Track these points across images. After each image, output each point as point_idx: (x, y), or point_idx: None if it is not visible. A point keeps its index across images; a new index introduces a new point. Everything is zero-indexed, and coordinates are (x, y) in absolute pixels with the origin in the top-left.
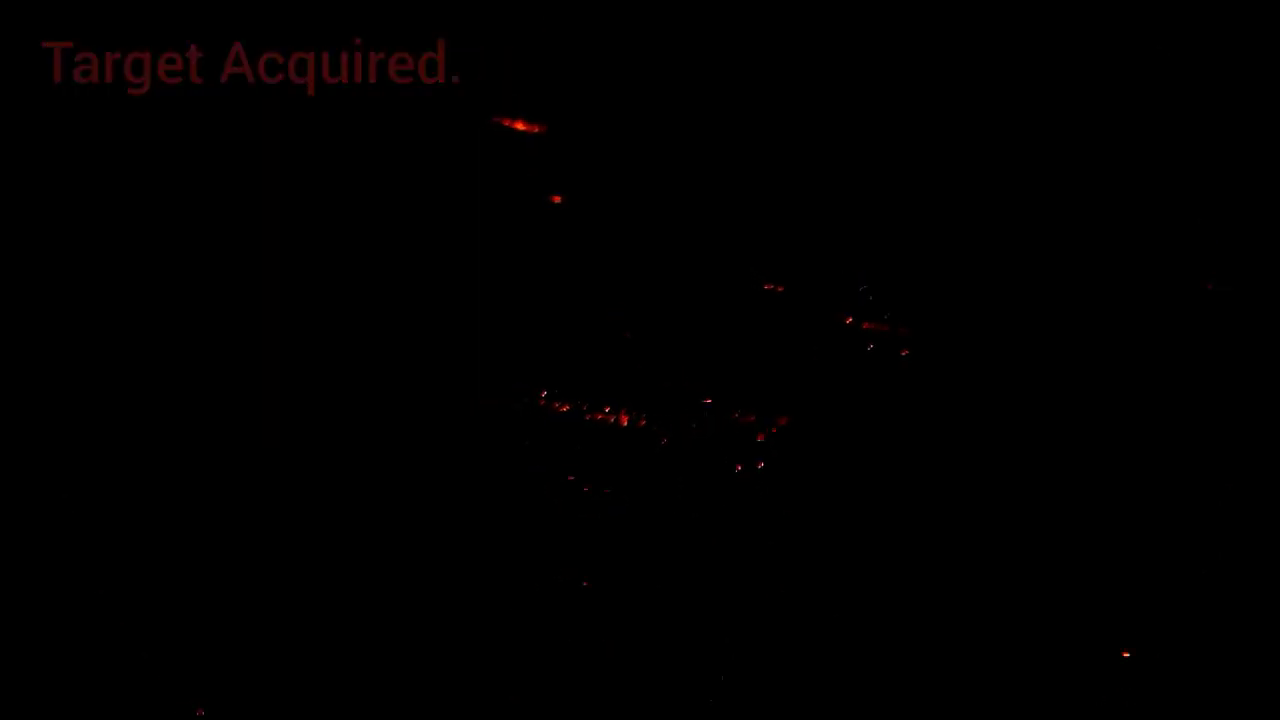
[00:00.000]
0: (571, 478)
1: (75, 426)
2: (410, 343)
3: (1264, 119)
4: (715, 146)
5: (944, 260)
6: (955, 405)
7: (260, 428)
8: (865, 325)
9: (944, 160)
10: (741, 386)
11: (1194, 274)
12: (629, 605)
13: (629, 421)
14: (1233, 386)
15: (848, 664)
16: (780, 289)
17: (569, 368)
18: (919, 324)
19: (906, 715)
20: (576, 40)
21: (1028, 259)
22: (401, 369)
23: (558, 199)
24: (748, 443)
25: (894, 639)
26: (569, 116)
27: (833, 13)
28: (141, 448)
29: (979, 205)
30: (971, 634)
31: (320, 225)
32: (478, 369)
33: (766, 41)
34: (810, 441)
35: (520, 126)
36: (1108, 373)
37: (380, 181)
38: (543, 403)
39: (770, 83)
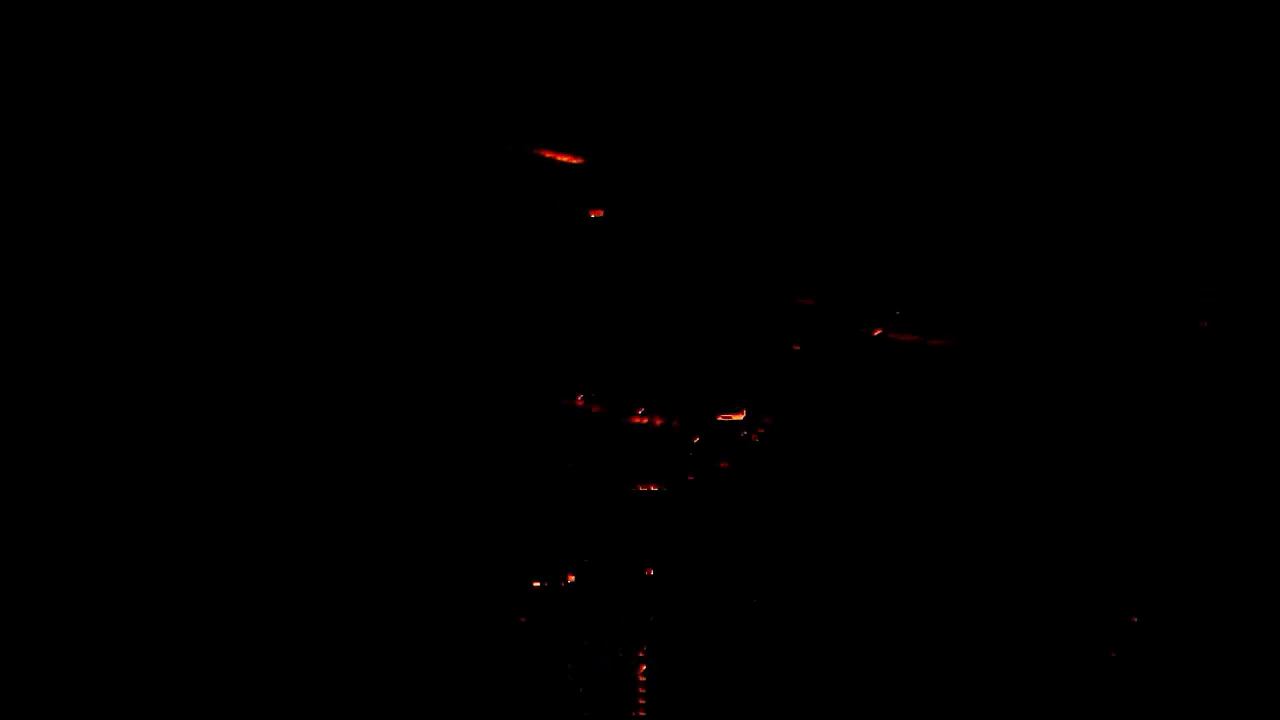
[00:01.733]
0: (606, 477)
1: (75, 426)
2: (453, 349)
3: (1264, 123)
4: (748, 160)
5: (974, 272)
6: (986, 416)
7: (289, 434)
8: (894, 335)
9: (973, 175)
10: (773, 395)
11: (1199, 284)
12: (662, 602)
13: (662, 424)
14: (1240, 400)
15: (864, 666)
16: (811, 301)
17: (606, 373)
18: (953, 335)
19: (907, 715)
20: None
21: (1057, 271)
22: (443, 373)
23: (595, 213)
24: (776, 448)
25: (912, 644)
26: (605, 139)
27: (860, 38)
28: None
29: (1013, 219)
30: (976, 639)
31: (358, 239)
32: (518, 373)
33: (793, 63)
34: (841, 448)
35: (559, 157)
36: (1133, 386)
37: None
38: (580, 404)
39: (799, 100)
